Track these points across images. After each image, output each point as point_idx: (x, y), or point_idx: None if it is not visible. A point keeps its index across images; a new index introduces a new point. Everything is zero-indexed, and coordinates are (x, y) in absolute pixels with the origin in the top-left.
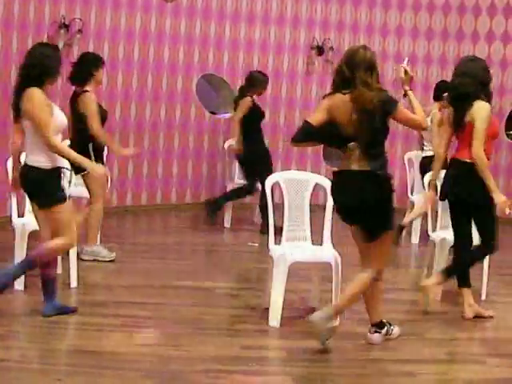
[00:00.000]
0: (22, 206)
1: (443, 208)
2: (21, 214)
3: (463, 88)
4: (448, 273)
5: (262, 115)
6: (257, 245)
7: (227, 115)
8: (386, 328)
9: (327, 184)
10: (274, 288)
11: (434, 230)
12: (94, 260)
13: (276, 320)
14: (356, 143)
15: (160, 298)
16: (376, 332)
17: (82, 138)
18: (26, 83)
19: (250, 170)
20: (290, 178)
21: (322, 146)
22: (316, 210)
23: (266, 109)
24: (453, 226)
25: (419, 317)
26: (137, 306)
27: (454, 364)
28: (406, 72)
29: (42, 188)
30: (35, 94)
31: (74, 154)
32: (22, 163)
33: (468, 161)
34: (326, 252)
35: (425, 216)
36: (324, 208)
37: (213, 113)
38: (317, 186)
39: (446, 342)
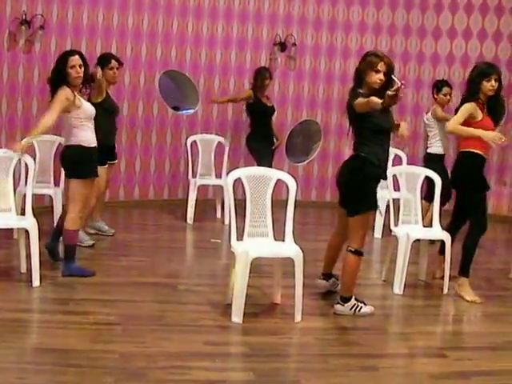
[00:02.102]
0: None
1: (404, 203)
2: None
3: None
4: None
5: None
6: (219, 241)
7: (190, 111)
8: (352, 303)
9: (289, 180)
10: (237, 284)
11: (396, 224)
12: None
13: (238, 316)
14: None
15: (122, 295)
16: (338, 303)
17: None
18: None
19: None
20: (251, 174)
21: (285, 142)
22: (278, 205)
23: (229, 104)
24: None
25: (380, 311)
26: (99, 303)
27: (416, 358)
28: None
29: None
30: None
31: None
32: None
33: None
34: (288, 248)
35: (387, 211)
36: (286, 204)
37: (175, 109)
38: (279, 182)
39: (408, 336)
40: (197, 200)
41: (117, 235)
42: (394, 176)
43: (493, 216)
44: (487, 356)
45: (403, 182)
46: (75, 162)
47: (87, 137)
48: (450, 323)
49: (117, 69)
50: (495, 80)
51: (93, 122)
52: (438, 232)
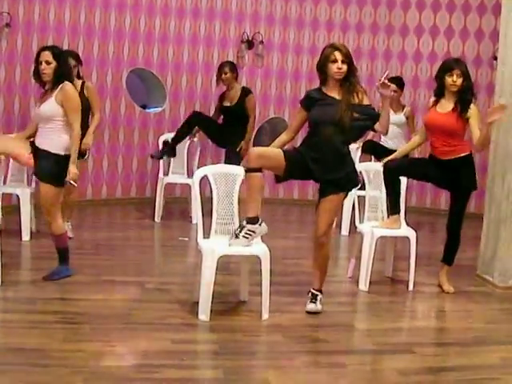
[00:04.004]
0: None
1: (370, 200)
2: None
3: None
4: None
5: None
6: (187, 239)
7: (158, 110)
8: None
9: None
10: (203, 282)
11: (361, 221)
12: None
13: (205, 314)
14: None
15: (90, 294)
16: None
17: None
18: None
19: None
20: (218, 171)
21: (253, 140)
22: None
23: (197, 102)
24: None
25: (348, 308)
26: (65, 301)
27: (385, 354)
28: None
29: None
30: None
31: None
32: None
33: None
34: (255, 246)
35: (352, 208)
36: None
37: (143, 107)
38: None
39: (376, 333)
40: (166, 198)
41: (84, 234)
42: (360, 173)
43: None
44: (455, 352)
45: (368, 179)
46: None
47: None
48: (417, 319)
49: (74, 66)
50: (457, 75)
51: (43, 124)
52: (402, 229)
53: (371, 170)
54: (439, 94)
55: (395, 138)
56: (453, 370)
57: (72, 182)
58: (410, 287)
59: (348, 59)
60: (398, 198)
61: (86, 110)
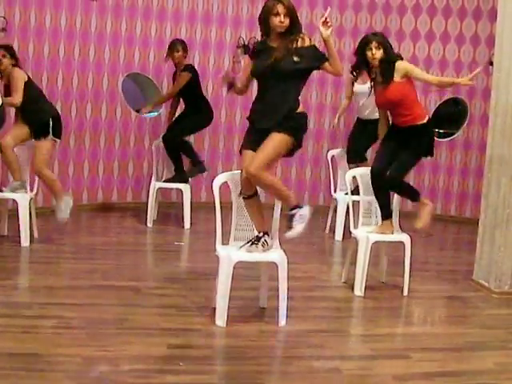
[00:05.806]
0: None
1: (364, 205)
2: None
3: None
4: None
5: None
6: (183, 244)
7: (153, 114)
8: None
9: None
10: (220, 287)
11: (356, 226)
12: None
13: (222, 319)
14: None
15: (85, 299)
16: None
17: None
18: None
19: None
20: (237, 178)
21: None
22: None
23: None
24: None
25: (343, 313)
26: (62, 306)
27: (379, 359)
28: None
29: None
30: None
31: None
32: None
33: None
34: (272, 252)
35: (347, 213)
36: (273, 208)
37: (138, 111)
38: None
39: (370, 338)
40: (161, 203)
41: (80, 238)
42: (354, 178)
43: (457, 218)
44: (450, 357)
45: (362, 184)
46: None
47: None
48: (412, 324)
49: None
50: (375, 47)
51: None
52: (397, 234)
53: (364, 174)
54: (366, 68)
55: (369, 107)
56: (448, 375)
57: None
58: (405, 292)
59: (291, 13)
60: (388, 202)
61: None
